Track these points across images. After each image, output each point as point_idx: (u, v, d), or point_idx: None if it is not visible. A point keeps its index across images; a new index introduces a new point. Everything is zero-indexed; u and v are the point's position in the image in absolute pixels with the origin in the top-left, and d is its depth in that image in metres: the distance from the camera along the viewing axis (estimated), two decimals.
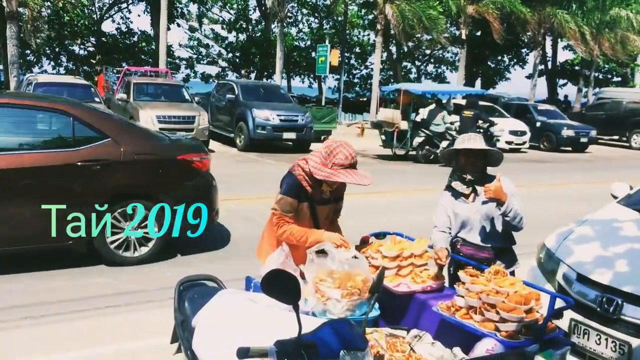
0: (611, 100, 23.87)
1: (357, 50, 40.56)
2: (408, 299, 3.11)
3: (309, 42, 38.49)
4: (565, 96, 36.54)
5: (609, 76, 42.47)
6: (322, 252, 3.07)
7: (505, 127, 17.94)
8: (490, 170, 3.52)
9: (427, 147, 14.70)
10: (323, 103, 21.82)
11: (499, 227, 3.38)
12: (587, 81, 32.39)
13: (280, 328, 2.04)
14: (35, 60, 32.59)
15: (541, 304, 2.61)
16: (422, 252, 3.23)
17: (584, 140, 19.90)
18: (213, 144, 15.65)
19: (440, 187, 3.77)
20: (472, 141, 3.36)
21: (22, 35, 19.67)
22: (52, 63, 33.16)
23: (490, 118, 15.41)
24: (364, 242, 3.48)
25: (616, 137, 23.15)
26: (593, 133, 20.25)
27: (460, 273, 2.80)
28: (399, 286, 3.13)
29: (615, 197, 4.73)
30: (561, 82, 40.58)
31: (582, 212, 5.01)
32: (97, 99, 13.89)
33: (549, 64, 37.63)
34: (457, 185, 3.47)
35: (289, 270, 3.20)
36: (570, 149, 19.84)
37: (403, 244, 3.24)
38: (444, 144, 14.42)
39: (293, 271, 3.14)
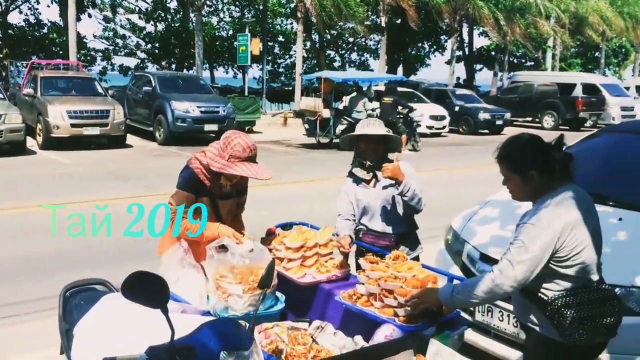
0: (524, 84, 24.99)
1: (281, 39, 40.27)
2: (314, 289, 3.08)
3: (231, 32, 37.80)
4: (464, 79, 37.99)
5: (523, 60, 44.52)
6: (223, 247, 2.98)
7: (425, 112, 18.37)
8: (391, 156, 3.52)
9: (350, 134, 14.80)
10: (246, 93, 21.51)
11: (400, 211, 3.40)
12: (501, 66, 33.77)
13: (164, 331, 1.93)
14: None
15: (438, 286, 2.64)
16: (327, 241, 3.21)
17: (499, 122, 20.73)
18: (131, 139, 15.10)
19: None
20: (372, 127, 3.34)
21: None
22: None
23: (410, 104, 15.72)
24: (269, 234, 3.41)
25: (529, 119, 24.27)
26: (507, 115, 21.13)
27: (361, 260, 2.79)
28: (304, 277, 3.09)
29: None
30: (478, 67, 42.09)
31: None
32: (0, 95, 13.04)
33: (466, 50, 38.89)
34: (358, 172, 3.44)
35: (189, 266, 3.12)
36: (487, 131, 20.61)
37: (307, 234, 3.20)
38: None
39: (193, 267, 3.04)
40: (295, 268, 3.10)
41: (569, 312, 2.23)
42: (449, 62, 31.26)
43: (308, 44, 32.95)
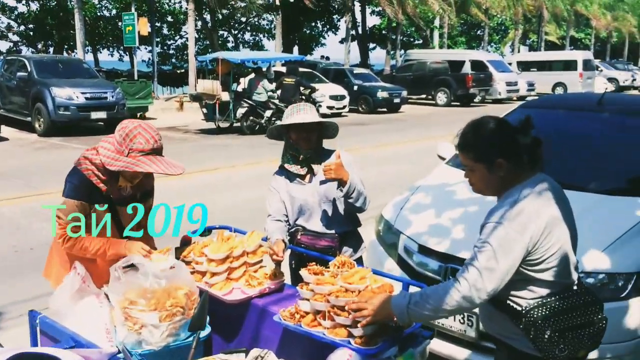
0: (417, 62, 25.55)
1: (170, 19, 38.34)
2: (244, 307, 2.61)
3: (114, 12, 35.33)
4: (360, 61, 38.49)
5: (412, 39, 45.81)
6: (131, 266, 2.43)
7: (325, 92, 18.15)
8: (326, 143, 3.09)
9: (251, 117, 14.26)
10: (136, 77, 20.10)
11: (341, 209, 2.97)
12: (394, 45, 34.43)
13: None
14: None
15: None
16: (256, 248, 2.74)
17: (397, 100, 21.02)
18: (6, 130, 13.51)
19: (270, 159, 3.27)
20: (303, 113, 2.85)
21: None
22: None
23: (311, 84, 15.40)
24: (185, 244, 2.89)
25: (424, 96, 24.90)
26: (404, 93, 21.47)
27: (303, 272, 2.36)
28: (232, 293, 2.61)
29: (442, 158, 4.69)
30: (371, 46, 42.71)
31: (410, 174, 4.98)
32: None
33: (359, 29, 39.26)
34: (291, 167, 2.97)
35: (88, 295, 2.53)
36: (385, 109, 20.83)
37: (232, 241, 2.71)
38: (268, 113, 14.10)
39: (96, 297, 2.46)
40: (220, 283, 2.61)
41: (546, 324, 1.94)
42: (343, 41, 31.31)
43: (199, 24, 31.52)
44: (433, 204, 3.77)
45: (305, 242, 3.00)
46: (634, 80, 35.16)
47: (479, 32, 48.75)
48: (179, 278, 2.41)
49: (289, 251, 2.92)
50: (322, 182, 2.95)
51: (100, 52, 37.82)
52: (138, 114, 17.20)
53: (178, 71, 32.83)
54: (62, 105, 13.26)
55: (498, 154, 2.00)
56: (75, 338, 2.19)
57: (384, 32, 38.28)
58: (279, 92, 14.44)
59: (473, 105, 23.93)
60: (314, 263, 2.42)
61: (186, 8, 23.07)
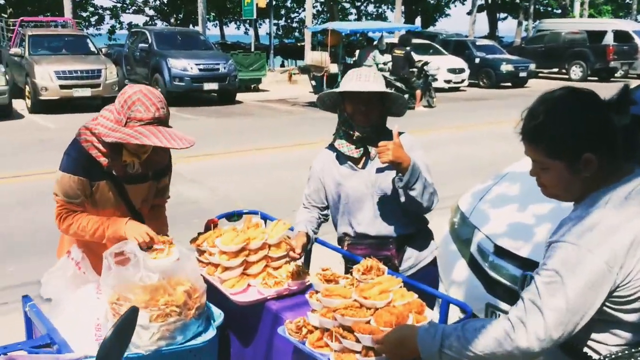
0: (550, 32, 23.37)
1: None
2: (259, 307, 2.23)
3: None
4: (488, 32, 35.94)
5: (549, 9, 42.20)
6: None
7: (442, 65, 17.10)
8: (390, 122, 2.46)
9: None
10: (253, 49, 20.39)
11: (400, 204, 2.31)
12: (527, 14, 31.87)
13: None
14: None
15: (426, 317, 1.77)
16: (280, 241, 2.34)
17: (523, 74, 19.36)
18: None
19: None
20: (364, 80, 2.27)
21: None
22: None
23: (425, 56, 14.52)
24: (208, 228, 2.55)
25: (555, 70, 22.78)
26: (532, 67, 19.72)
27: (314, 278, 1.91)
28: (246, 292, 2.24)
29: None
30: (502, 16, 40.02)
31: (516, 153, 4.26)
32: None
33: None
34: (342, 145, 2.38)
35: (84, 284, 2.29)
36: (510, 84, 19.30)
37: (250, 232, 2.32)
38: None
39: (91, 284, 2.20)
40: (233, 279, 2.24)
41: None
42: (470, 12, 29.53)
43: None
44: (519, 196, 3.10)
45: (357, 253, 2.40)
46: None
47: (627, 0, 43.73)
48: (182, 272, 2.07)
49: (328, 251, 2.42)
50: (379, 170, 2.36)
51: (227, 26, 39.13)
52: (252, 86, 17.46)
53: (299, 44, 33.07)
54: (178, 76, 13.67)
55: (585, 147, 1.38)
56: (51, 335, 1.94)
57: (516, 0, 35.55)
58: (390, 64, 13.77)
59: (613, 80, 21.44)
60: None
61: None
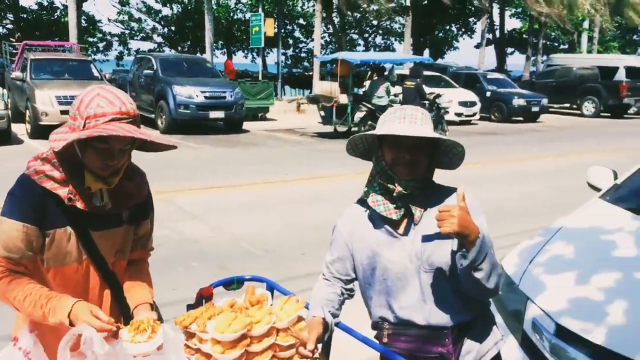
0: (561, 67, 23.06)
1: (302, 22, 38.69)
2: None
3: (248, 14, 36.38)
4: (496, 66, 35.71)
5: (556, 44, 42.16)
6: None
7: (454, 97, 16.70)
8: (439, 177, 1.92)
9: (370, 122, 13.30)
10: (260, 77, 20.10)
11: (457, 285, 1.79)
12: (535, 49, 31.73)
13: None
14: None
15: None
16: (292, 323, 1.80)
17: (535, 109, 18.96)
18: None
19: None
20: (409, 122, 1.79)
21: None
22: None
23: (436, 89, 14.11)
24: (204, 299, 2.01)
25: (567, 105, 22.39)
26: (544, 101, 19.34)
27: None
28: None
29: (595, 189, 3.42)
30: (509, 50, 39.95)
31: (546, 199, 3.80)
32: None
33: (497, 33, 36.80)
34: (378, 203, 1.84)
35: None
36: (521, 118, 18.88)
37: (253, 312, 1.79)
38: None
39: None
40: None
41: None
42: (478, 46, 29.36)
43: (330, 28, 31.28)
44: (581, 259, 2.58)
45: (402, 347, 1.85)
46: None
47: (635, 36, 43.68)
48: None
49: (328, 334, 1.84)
50: (426, 238, 1.82)
51: (235, 55, 39.09)
52: (259, 115, 17.09)
53: (307, 73, 32.96)
54: (183, 104, 13.28)
55: None
56: None
57: (524, 35, 35.45)
58: (400, 96, 13.36)
59: (627, 117, 21.02)
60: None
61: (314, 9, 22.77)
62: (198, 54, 28.70)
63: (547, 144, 13.60)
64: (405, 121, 1.78)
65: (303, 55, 40.92)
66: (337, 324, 1.89)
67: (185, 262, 5.15)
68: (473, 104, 17.68)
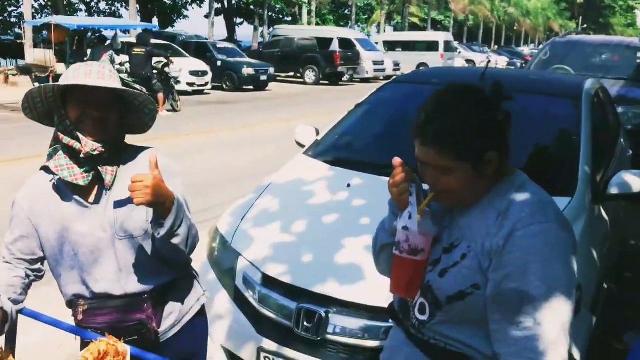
0: (285, 38, 24.54)
1: None
2: None
3: None
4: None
5: (281, 16, 44.80)
6: None
7: (184, 67, 16.50)
8: (131, 138, 1.80)
9: None
10: None
11: (153, 249, 1.71)
12: (261, 20, 33.20)
13: None
14: None
15: None
16: None
17: (263, 78, 19.88)
18: None
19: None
20: (95, 76, 1.61)
21: None
22: None
23: (166, 55, 13.74)
24: None
25: (292, 74, 24.02)
26: (271, 70, 20.38)
27: None
28: None
29: (301, 145, 3.71)
30: (239, 21, 41.10)
31: (274, 161, 4.04)
32: None
33: (225, 3, 37.47)
34: (61, 168, 1.64)
35: None
36: (252, 87, 19.64)
37: None
38: None
39: None
40: None
41: None
42: (208, 15, 29.48)
43: None
44: (282, 212, 2.77)
45: (95, 324, 1.70)
46: (489, 62, 37.04)
47: (346, 11, 48.89)
48: None
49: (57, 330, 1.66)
50: (118, 204, 1.68)
51: None
52: None
53: (19, 42, 29.02)
54: None
55: (488, 146, 1.32)
56: None
57: (251, 6, 36.77)
58: (127, 65, 12.67)
59: (342, 84, 23.53)
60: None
61: None
62: None
63: (276, 110, 14.45)
64: (91, 76, 1.61)
65: (14, 20, 36.04)
66: (21, 311, 1.68)
67: None
68: (204, 73, 17.72)
